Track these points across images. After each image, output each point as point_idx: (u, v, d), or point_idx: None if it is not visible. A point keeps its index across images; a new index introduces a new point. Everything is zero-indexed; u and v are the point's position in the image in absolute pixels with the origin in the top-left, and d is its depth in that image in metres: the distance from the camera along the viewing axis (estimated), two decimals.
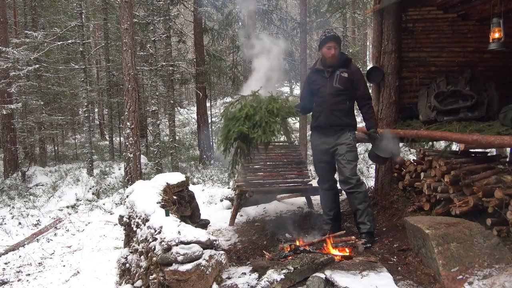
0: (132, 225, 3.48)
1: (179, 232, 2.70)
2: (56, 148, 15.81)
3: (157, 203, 3.44)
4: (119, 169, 11.08)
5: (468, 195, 3.82)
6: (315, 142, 4.16)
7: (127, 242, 3.68)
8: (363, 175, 8.51)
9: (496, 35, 4.17)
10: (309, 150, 11.11)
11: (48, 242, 6.24)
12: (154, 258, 2.76)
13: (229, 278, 2.95)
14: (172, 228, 2.78)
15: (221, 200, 6.66)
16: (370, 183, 6.28)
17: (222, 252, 2.79)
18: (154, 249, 2.78)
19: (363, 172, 8.91)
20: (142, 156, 10.79)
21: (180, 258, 2.56)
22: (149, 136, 14.54)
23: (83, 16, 11.63)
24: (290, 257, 3.34)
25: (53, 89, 14.02)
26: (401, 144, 5.97)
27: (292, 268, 2.98)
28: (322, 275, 2.88)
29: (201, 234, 2.72)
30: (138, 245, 3.20)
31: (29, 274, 5.02)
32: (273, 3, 13.17)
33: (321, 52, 4.02)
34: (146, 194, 3.61)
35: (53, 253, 5.70)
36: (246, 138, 3.62)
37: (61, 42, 12.31)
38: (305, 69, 9.76)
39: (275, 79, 4.50)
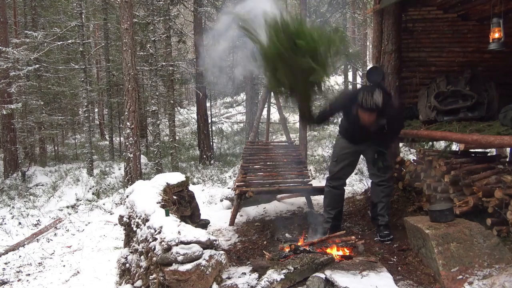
0: (132, 225, 3.48)
1: (179, 232, 2.70)
2: (56, 148, 15.80)
3: (157, 203, 3.44)
4: (119, 169, 11.08)
5: (468, 195, 3.82)
6: (344, 144, 4.13)
7: (127, 242, 3.68)
8: (363, 174, 8.50)
9: (496, 35, 4.17)
10: (309, 150, 11.10)
11: (48, 242, 6.24)
12: (154, 258, 2.75)
13: (229, 278, 2.95)
14: (172, 228, 2.78)
15: (221, 200, 6.66)
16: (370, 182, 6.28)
17: (222, 252, 2.79)
18: (154, 249, 2.78)
19: (363, 171, 8.91)
20: (142, 156, 10.78)
21: (180, 258, 2.56)
22: (149, 136, 14.54)
23: (83, 16, 11.62)
24: (290, 257, 3.34)
25: (53, 89, 14.00)
26: (401, 144, 5.97)
27: (292, 268, 2.98)
28: (322, 275, 2.88)
29: (201, 234, 2.72)
30: (138, 245, 3.20)
31: (29, 274, 5.02)
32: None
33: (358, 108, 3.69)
34: (146, 194, 3.62)
35: (53, 253, 5.70)
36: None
37: (61, 42, 12.30)
38: None
39: None
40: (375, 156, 3.93)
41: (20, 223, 7.34)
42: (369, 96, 3.54)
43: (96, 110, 21.86)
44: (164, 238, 2.68)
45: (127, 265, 3.44)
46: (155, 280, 2.74)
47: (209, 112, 13.42)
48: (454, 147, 4.80)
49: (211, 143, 12.95)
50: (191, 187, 5.60)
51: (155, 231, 2.90)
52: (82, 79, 11.59)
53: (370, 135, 3.89)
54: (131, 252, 3.46)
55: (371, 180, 4.19)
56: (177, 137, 14.10)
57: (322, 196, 4.42)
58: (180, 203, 4.02)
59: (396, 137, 4.17)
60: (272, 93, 6.69)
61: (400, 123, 4.09)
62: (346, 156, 4.10)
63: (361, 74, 16.42)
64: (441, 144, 7.18)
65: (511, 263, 2.86)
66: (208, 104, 13.52)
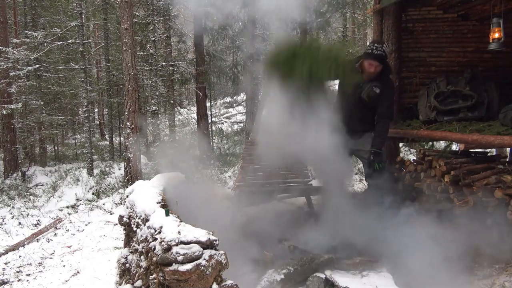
0: (132, 225, 3.48)
1: (179, 232, 2.70)
2: (56, 148, 15.80)
3: (157, 203, 3.43)
4: (119, 169, 11.08)
5: (468, 195, 3.82)
6: None
7: (127, 242, 3.67)
8: (363, 175, 8.50)
9: (496, 35, 4.18)
10: None
11: (48, 242, 6.24)
12: (154, 258, 2.75)
13: (229, 278, 2.95)
14: (172, 228, 2.77)
15: None
16: None
17: (222, 252, 2.79)
18: (154, 249, 2.78)
19: (363, 172, 8.91)
20: (142, 156, 10.78)
21: (180, 258, 2.55)
22: (149, 136, 14.53)
23: (83, 16, 11.62)
24: (290, 258, 3.34)
25: (53, 89, 13.99)
26: (401, 144, 5.97)
27: (292, 268, 2.98)
28: (322, 275, 2.88)
29: (201, 234, 2.71)
30: (138, 245, 3.20)
31: (29, 274, 5.02)
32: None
33: (363, 62, 3.89)
34: (146, 194, 3.61)
35: (53, 253, 5.70)
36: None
37: (61, 42, 12.30)
38: None
39: None
40: (370, 157, 3.91)
41: (20, 223, 7.34)
42: (378, 45, 3.77)
43: (96, 110, 21.83)
44: (164, 238, 2.67)
45: (127, 265, 3.43)
46: (155, 280, 2.73)
47: (209, 112, 13.41)
48: (454, 147, 4.80)
49: (211, 143, 12.95)
50: None
51: (155, 231, 2.89)
52: (82, 79, 11.58)
53: (363, 115, 3.97)
54: (131, 252, 3.45)
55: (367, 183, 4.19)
56: (177, 137, 14.09)
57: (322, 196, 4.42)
58: None
59: (386, 130, 4.07)
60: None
61: (390, 109, 4.05)
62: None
63: None
64: (441, 144, 7.19)
65: (511, 263, 2.87)
66: (208, 104, 13.51)
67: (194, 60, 12.69)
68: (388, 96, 3.96)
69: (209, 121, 13.14)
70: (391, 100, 4.07)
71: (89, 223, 6.93)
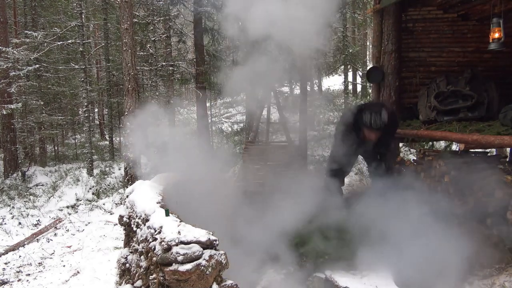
0: (132, 225, 3.48)
1: (179, 232, 2.70)
2: (56, 148, 15.80)
3: (157, 203, 3.43)
4: (119, 169, 11.08)
5: (468, 195, 3.82)
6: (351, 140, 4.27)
7: (127, 242, 3.67)
8: (363, 175, 8.50)
9: (496, 35, 4.17)
10: (309, 150, 11.08)
11: (48, 242, 6.24)
12: (154, 258, 2.75)
13: (229, 278, 2.95)
14: (172, 228, 2.77)
15: None
16: None
17: (222, 252, 2.79)
18: (154, 249, 2.78)
19: (363, 172, 8.91)
20: (142, 156, 10.77)
21: (180, 258, 2.55)
22: (149, 136, 14.50)
23: (83, 16, 11.62)
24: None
25: (53, 89, 14.00)
26: (401, 144, 6.00)
27: (292, 268, 2.98)
28: (322, 275, 2.88)
29: (201, 234, 2.71)
30: (138, 245, 3.20)
31: (29, 274, 5.02)
32: None
33: (362, 128, 4.01)
34: (146, 194, 3.61)
35: (53, 253, 5.71)
36: None
37: (61, 42, 12.31)
38: None
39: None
40: (377, 157, 4.00)
41: (20, 223, 7.34)
42: (377, 116, 3.82)
43: (96, 110, 21.83)
44: (164, 238, 2.67)
45: (127, 265, 3.43)
46: (155, 280, 2.73)
47: (209, 112, 13.40)
48: (454, 147, 4.80)
49: (211, 143, 12.94)
50: None
51: (155, 231, 2.89)
52: (82, 79, 11.59)
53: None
54: (131, 252, 3.45)
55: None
56: (177, 137, 14.07)
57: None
58: None
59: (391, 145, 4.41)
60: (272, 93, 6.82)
61: (393, 136, 4.38)
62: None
63: (361, 74, 16.40)
64: (441, 144, 7.18)
65: (511, 263, 2.87)
66: (208, 104, 13.50)
67: (194, 60, 12.69)
68: (389, 136, 4.23)
69: (209, 121, 13.14)
70: (392, 137, 4.39)
71: (89, 223, 6.93)
